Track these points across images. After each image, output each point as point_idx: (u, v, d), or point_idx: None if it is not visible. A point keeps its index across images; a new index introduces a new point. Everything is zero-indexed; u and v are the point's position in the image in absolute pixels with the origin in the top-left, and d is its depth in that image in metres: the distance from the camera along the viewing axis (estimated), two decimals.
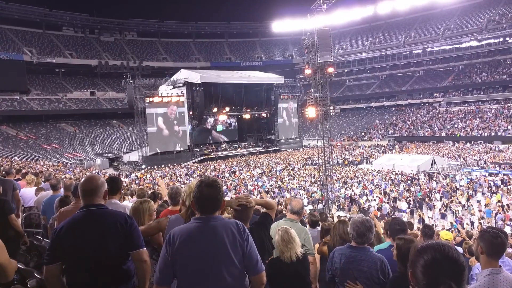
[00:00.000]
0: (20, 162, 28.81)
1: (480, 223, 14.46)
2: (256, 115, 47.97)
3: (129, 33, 69.95)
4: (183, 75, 40.28)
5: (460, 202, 19.05)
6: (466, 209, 18.21)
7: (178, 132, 40.15)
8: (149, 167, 35.47)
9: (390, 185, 23.85)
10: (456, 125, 46.84)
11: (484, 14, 56.40)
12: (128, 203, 4.73)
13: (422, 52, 58.59)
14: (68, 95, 54.57)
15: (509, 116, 43.97)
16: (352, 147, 47.61)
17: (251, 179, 28.48)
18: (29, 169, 18.21)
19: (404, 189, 22.62)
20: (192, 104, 40.55)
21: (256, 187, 24.78)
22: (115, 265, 2.31)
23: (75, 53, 59.32)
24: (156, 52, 67.95)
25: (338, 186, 24.18)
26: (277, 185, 25.40)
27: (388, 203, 19.55)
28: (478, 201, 19.45)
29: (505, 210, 16.62)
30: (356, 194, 22.06)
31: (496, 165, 28.81)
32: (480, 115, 47.03)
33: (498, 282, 1.97)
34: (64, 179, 11.29)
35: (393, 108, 58.77)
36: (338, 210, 19.54)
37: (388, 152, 40.73)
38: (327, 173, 21.10)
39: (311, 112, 24.57)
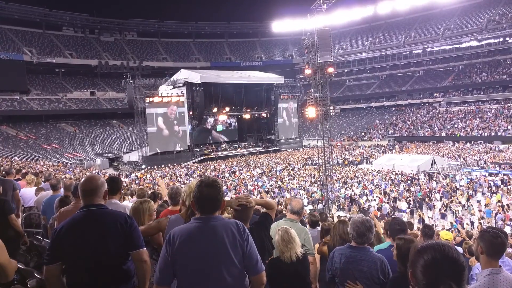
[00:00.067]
0: (20, 162, 28.81)
1: (480, 223, 14.46)
2: (256, 115, 47.97)
3: (129, 33, 69.95)
4: (183, 75, 40.28)
5: (460, 202, 19.06)
6: (466, 209, 18.22)
7: (178, 132, 40.15)
8: (149, 167, 35.47)
9: (390, 185, 23.85)
10: (456, 125, 46.84)
11: (484, 14, 56.41)
12: (128, 203, 4.73)
13: (422, 52, 58.59)
14: (68, 95, 54.58)
15: (509, 116, 43.97)
16: (352, 147, 47.61)
17: (251, 179, 28.48)
18: (29, 169, 18.21)
19: (404, 189, 22.62)
20: (192, 104, 40.55)
21: (256, 187, 24.79)
22: (115, 265, 2.31)
23: (75, 53, 59.32)
24: (156, 52, 67.96)
25: (338, 186, 24.18)
26: (277, 185, 25.40)
27: (388, 203, 19.55)
28: (478, 201, 19.46)
29: (505, 210, 16.62)
30: (356, 194, 22.05)
31: (496, 165, 28.81)
32: (480, 115, 47.03)
33: (498, 282, 1.97)
34: (64, 179, 11.29)
35: (393, 108, 58.77)
36: (338, 210, 19.54)
37: (388, 152, 40.72)
38: (327, 173, 21.10)
39: (311, 112, 24.56)
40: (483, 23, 54.24)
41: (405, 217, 16.57)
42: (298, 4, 58.05)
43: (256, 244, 2.17)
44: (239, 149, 45.76)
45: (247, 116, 47.05)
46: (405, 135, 49.32)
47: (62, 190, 5.23)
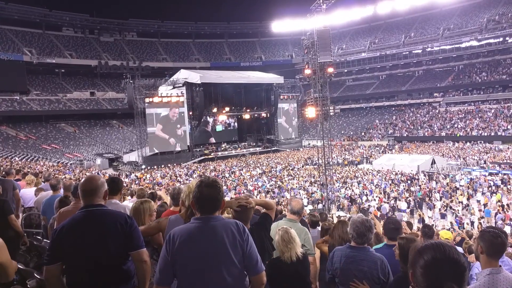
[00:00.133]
0: (20, 162, 28.80)
1: (480, 223, 14.46)
2: (256, 115, 47.98)
3: (128, 33, 69.97)
4: (183, 75, 40.28)
5: (461, 202, 19.06)
6: (466, 209, 18.21)
7: (181, 135, 40.26)
8: (149, 167, 35.46)
9: (390, 185, 23.85)
10: (456, 125, 46.85)
11: (483, 14, 56.44)
12: (128, 203, 4.72)
13: (422, 52, 58.61)
14: (68, 95, 54.58)
15: (509, 116, 43.98)
16: (352, 147, 47.61)
17: (251, 179, 28.48)
18: (29, 170, 18.20)
19: (404, 189, 22.62)
20: (192, 105, 40.55)
21: (256, 187, 24.79)
22: (115, 265, 2.31)
23: (75, 54, 59.33)
24: (156, 52, 67.97)
25: (338, 186, 24.18)
26: (277, 185, 25.41)
27: (388, 203, 19.54)
28: (478, 201, 19.46)
29: (505, 210, 16.61)
30: (356, 194, 22.05)
31: (496, 165, 28.82)
32: (480, 115, 47.05)
33: (498, 282, 1.97)
34: (64, 180, 11.28)
35: (393, 108, 58.78)
36: (338, 210, 19.54)
37: (388, 152, 40.72)
38: (327, 173, 21.09)
39: (311, 112, 24.54)
40: (483, 23, 54.27)
41: (405, 217, 16.57)
42: (298, 4, 58.05)
43: (256, 244, 2.17)
44: (239, 149, 45.76)
45: (247, 116, 47.06)
46: (405, 135, 49.33)
47: (62, 191, 5.22)
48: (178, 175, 30.50)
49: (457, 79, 55.68)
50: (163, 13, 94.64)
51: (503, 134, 41.19)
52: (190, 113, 41.00)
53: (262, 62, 70.79)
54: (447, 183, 23.27)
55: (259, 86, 47.46)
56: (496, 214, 16.39)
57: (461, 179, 24.23)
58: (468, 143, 41.78)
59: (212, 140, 46.53)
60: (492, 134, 42.11)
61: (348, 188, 23.76)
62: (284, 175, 29.46)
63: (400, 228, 3.47)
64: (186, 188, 2.96)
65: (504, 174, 24.74)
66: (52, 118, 50.33)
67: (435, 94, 55.76)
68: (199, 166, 36.27)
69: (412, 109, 55.86)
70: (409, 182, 24.50)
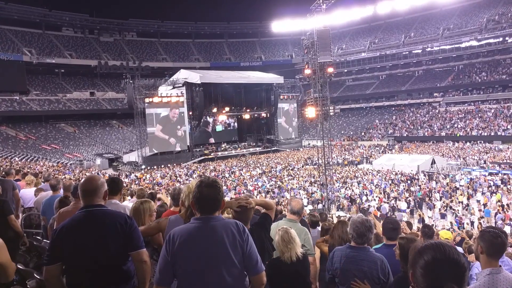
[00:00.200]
0: (19, 162, 28.79)
1: (480, 223, 14.46)
2: (255, 115, 47.98)
3: (128, 33, 69.95)
4: (183, 75, 40.26)
5: (461, 202, 19.06)
6: (465, 209, 18.22)
7: (181, 135, 40.25)
8: (148, 167, 35.46)
9: (390, 185, 23.85)
10: (455, 125, 46.86)
11: (483, 14, 56.46)
12: (128, 204, 4.72)
13: (421, 52, 58.62)
14: (68, 95, 54.57)
15: (508, 116, 44.00)
16: (352, 147, 47.62)
17: (251, 179, 28.48)
18: (28, 170, 18.20)
19: (404, 189, 22.62)
20: (191, 105, 40.54)
21: (256, 187, 24.79)
22: (115, 266, 2.31)
23: (74, 54, 59.31)
24: (156, 52, 67.96)
25: (338, 186, 24.18)
26: (277, 185, 25.41)
27: (388, 203, 19.54)
28: (478, 201, 19.47)
29: (505, 210, 16.62)
30: (356, 194, 22.05)
31: (496, 165, 28.82)
32: (479, 114, 47.06)
33: (498, 282, 1.97)
34: (64, 180, 11.28)
35: (393, 108, 58.79)
36: (338, 210, 19.55)
37: (388, 152, 40.73)
38: (327, 173, 21.09)
39: (310, 112, 24.53)
40: (482, 23, 54.28)
41: (405, 217, 16.57)
42: (297, 4, 58.17)
43: (256, 244, 2.17)
44: (239, 149, 45.75)
45: (246, 116, 47.05)
46: (405, 135, 49.34)
47: (61, 191, 5.22)
48: (178, 175, 30.50)
49: (457, 79, 55.70)
50: (163, 13, 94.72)
51: (503, 134, 41.20)
52: (190, 113, 40.99)
53: (262, 62, 70.79)
54: (447, 183, 23.27)
55: (259, 86, 47.45)
56: (496, 214, 16.40)
57: (461, 179, 24.23)
58: (468, 143, 41.79)
59: (212, 140, 46.54)
60: (492, 134, 42.13)
61: (348, 188, 23.76)
62: (284, 175, 29.46)
63: (399, 228, 3.47)
64: (186, 188, 2.96)
65: (504, 174, 24.76)
66: (52, 118, 50.33)
67: (435, 94, 55.78)
68: (199, 166, 36.27)
69: (412, 109, 55.87)
70: (409, 182, 24.50)
